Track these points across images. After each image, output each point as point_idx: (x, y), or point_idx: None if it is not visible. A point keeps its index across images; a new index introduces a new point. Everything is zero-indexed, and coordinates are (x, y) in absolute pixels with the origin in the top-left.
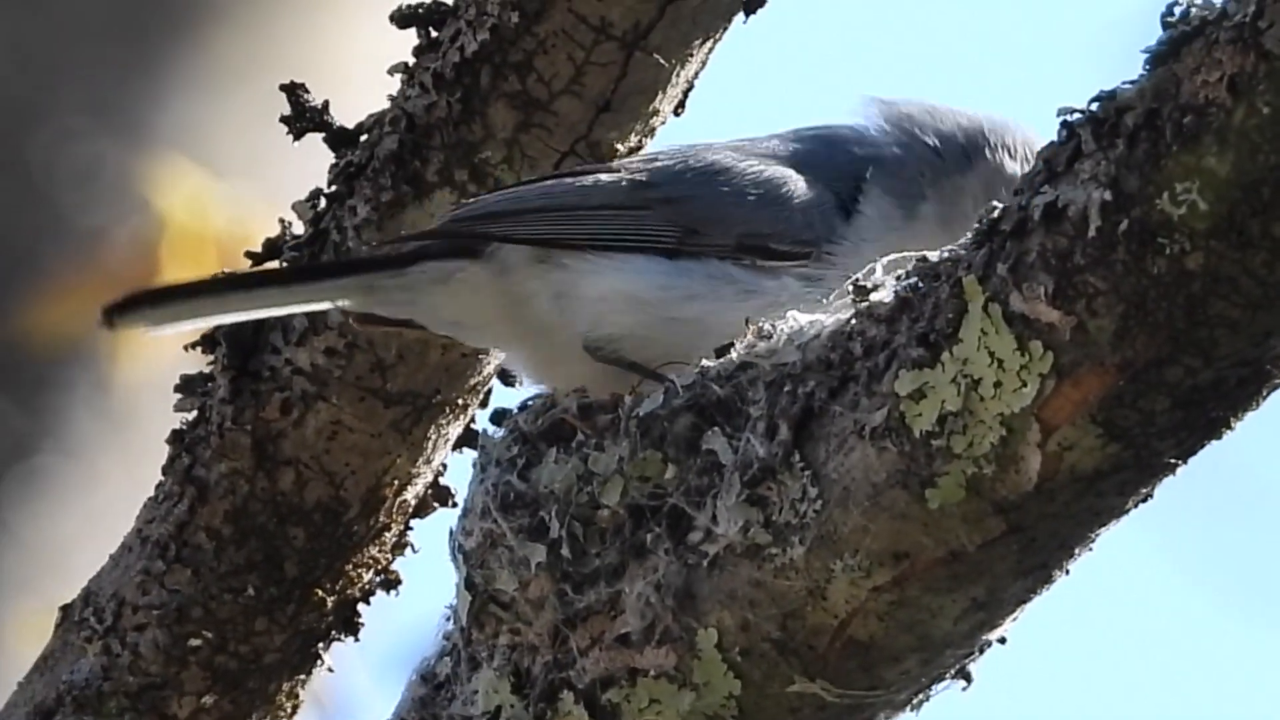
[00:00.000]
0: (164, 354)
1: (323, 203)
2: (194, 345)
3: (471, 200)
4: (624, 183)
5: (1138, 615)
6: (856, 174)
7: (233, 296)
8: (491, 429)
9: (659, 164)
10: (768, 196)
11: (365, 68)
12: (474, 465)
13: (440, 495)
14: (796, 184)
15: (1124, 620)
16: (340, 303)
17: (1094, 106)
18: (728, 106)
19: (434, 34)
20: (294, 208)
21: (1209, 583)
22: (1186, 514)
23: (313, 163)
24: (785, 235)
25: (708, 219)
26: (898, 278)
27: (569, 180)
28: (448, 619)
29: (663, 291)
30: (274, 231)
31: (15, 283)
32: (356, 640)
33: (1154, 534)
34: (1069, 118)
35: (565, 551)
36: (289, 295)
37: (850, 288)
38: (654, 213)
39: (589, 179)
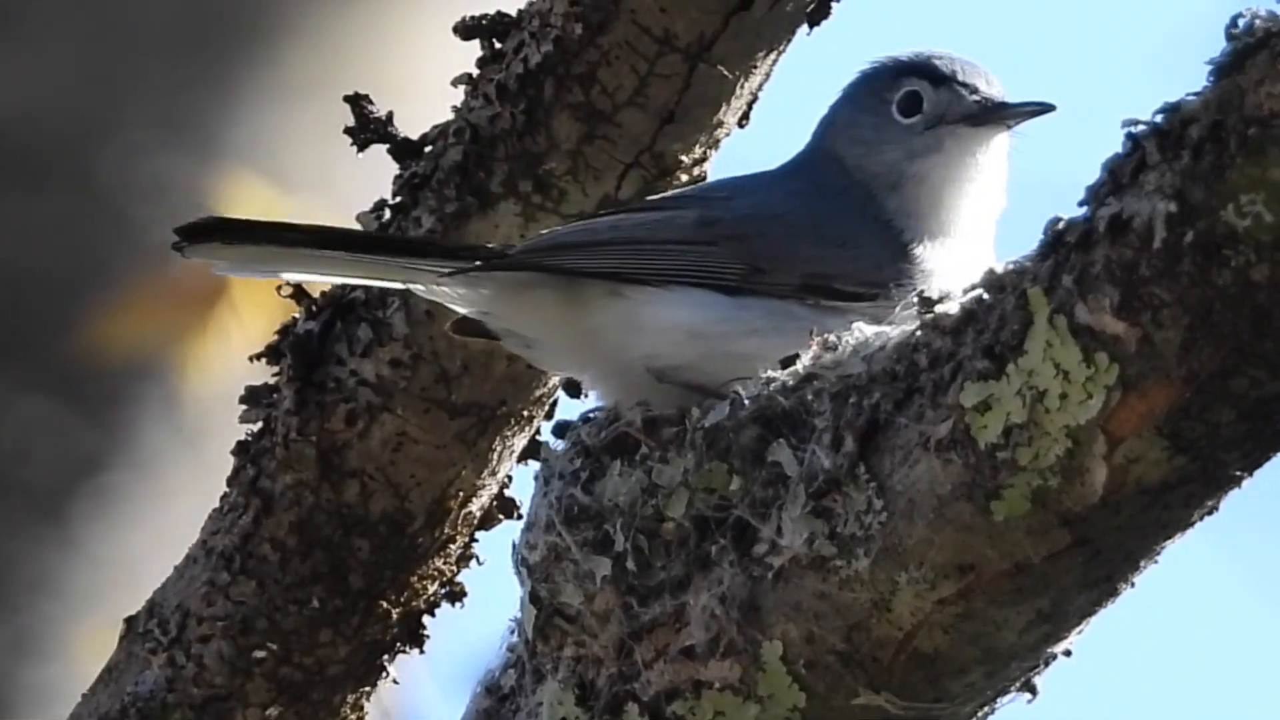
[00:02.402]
0: (233, 367)
1: (387, 214)
2: (259, 356)
3: (545, 231)
4: (692, 218)
5: (1201, 626)
6: None
7: (304, 252)
8: (554, 442)
9: (727, 199)
10: (834, 237)
11: (429, 79)
12: (537, 478)
13: (505, 507)
14: (864, 225)
15: (1188, 631)
16: (412, 285)
17: (1158, 118)
18: (792, 118)
19: (498, 45)
20: (358, 219)
21: (1273, 593)
22: (1251, 525)
23: (380, 176)
24: (852, 276)
25: (774, 257)
26: (963, 290)
27: (639, 214)
28: (512, 631)
29: (724, 325)
30: None
31: (85, 297)
32: (421, 652)
33: (1218, 545)
34: (1133, 130)
35: (630, 564)
36: (357, 263)
37: (916, 299)
38: (720, 249)
39: (658, 213)
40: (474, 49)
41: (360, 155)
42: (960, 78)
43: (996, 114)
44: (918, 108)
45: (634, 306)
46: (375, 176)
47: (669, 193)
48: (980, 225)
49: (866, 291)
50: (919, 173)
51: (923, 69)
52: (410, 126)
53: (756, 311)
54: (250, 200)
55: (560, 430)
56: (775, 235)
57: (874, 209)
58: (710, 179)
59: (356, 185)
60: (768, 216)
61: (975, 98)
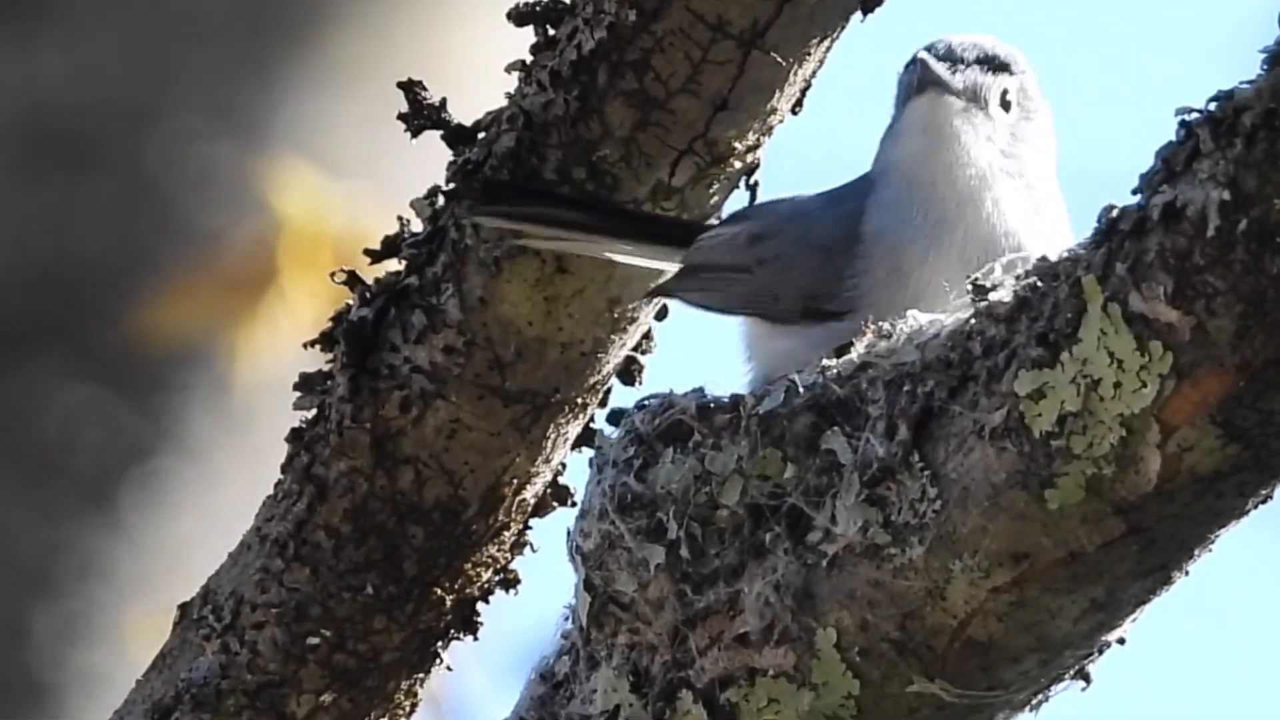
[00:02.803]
0: (281, 354)
1: (440, 200)
2: (313, 343)
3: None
4: (743, 239)
5: (1254, 616)
6: None
7: (575, 235)
8: (608, 429)
9: (763, 221)
10: (819, 248)
11: (482, 65)
12: (590, 466)
13: (559, 494)
14: (849, 229)
15: (1240, 621)
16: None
17: (1212, 106)
18: (846, 105)
19: (551, 32)
20: (412, 205)
21: None
22: None
23: (429, 162)
24: (836, 294)
25: (781, 283)
26: (1017, 277)
27: (712, 235)
28: (566, 618)
29: (786, 360)
30: (390, 229)
31: (133, 284)
32: (475, 639)
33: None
34: (1187, 117)
35: (684, 552)
36: (616, 247)
37: (970, 287)
38: (753, 276)
39: (723, 232)
40: (527, 35)
41: (412, 141)
42: (922, 54)
43: (925, 75)
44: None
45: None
46: (423, 162)
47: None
48: (980, 201)
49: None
50: (895, 159)
51: (909, 60)
52: (462, 112)
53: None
54: (298, 186)
55: (615, 418)
56: (778, 261)
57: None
58: (763, 166)
59: (405, 171)
60: (779, 237)
61: (918, 70)
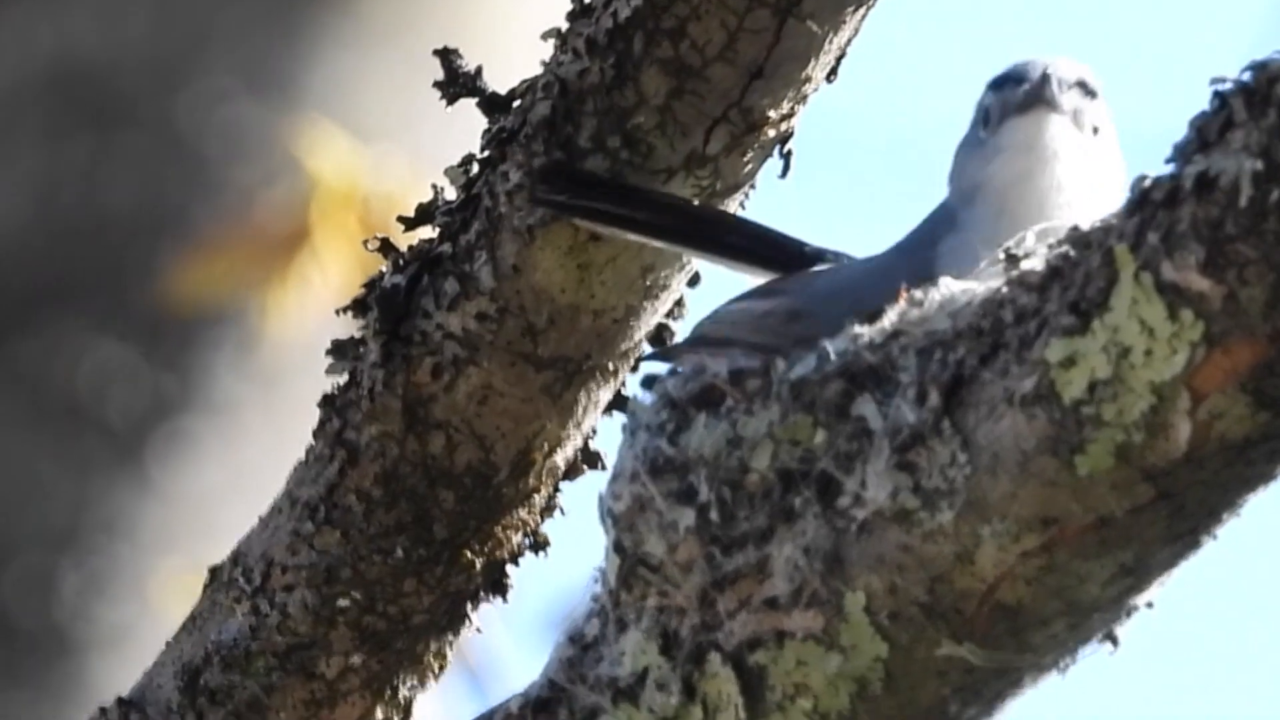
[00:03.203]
0: (311, 313)
1: (475, 168)
2: (346, 309)
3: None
4: (772, 317)
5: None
6: None
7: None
8: (641, 394)
9: (803, 296)
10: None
11: (517, 33)
12: (623, 430)
13: (590, 459)
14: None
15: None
16: None
17: (1245, 76)
18: (881, 74)
19: (586, 0)
20: (446, 173)
21: None
22: None
23: (459, 125)
24: None
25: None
26: (1049, 246)
27: (737, 308)
28: (596, 581)
29: None
30: (420, 192)
31: (163, 243)
32: (505, 602)
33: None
34: (1221, 87)
35: (714, 515)
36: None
37: (1002, 255)
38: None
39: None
40: (563, 2)
41: (447, 108)
42: (1015, 74)
43: (1036, 93)
44: (987, 118)
45: None
46: (453, 125)
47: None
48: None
49: None
50: (987, 178)
51: (995, 79)
52: (497, 79)
53: None
54: (329, 148)
55: (648, 383)
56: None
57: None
58: (796, 136)
59: (435, 134)
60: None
61: (1024, 87)
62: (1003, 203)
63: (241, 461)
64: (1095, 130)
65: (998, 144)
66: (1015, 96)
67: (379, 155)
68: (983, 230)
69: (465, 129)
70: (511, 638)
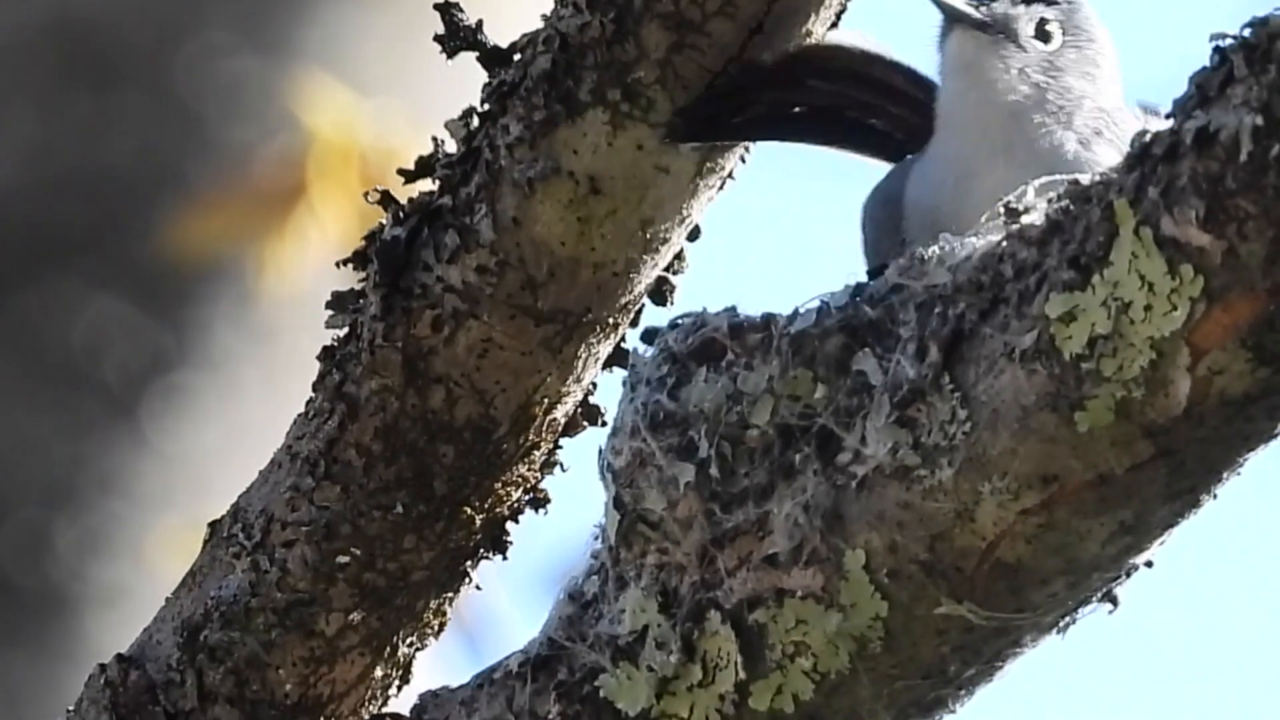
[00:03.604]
0: (307, 269)
1: (475, 121)
2: (345, 262)
3: None
4: None
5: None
6: None
7: None
8: (642, 348)
9: None
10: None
11: None
12: (624, 384)
13: (590, 414)
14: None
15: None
16: None
17: (1246, 32)
18: (880, 28)
19: None
20: (447, 126)
21: None
22: None
23: (457, 79)
24: None
25: None
26: (1049, 200)
27: None
28: (596, 538)
29: None
30: (418, 147)
31: (161, 198)
32: (505, 559)
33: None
34: (1221, 43)
35: (714, 471)
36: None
37: (1001, 210)
38: None
39: None
40: None
41: (442, 56)
42: None
43: (948, 13)
44: None
45: None
46: (452, 79)
47: None
48: (1012, 145)
49: None
50: (938, 107)
51: None
52: (497, 34)
53: None
54: (327, 102)
55: (648, 336)
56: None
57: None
58: None
59: (433, 87)
60: None
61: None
62: (944, 128)
63: (239, 418)
64: (1046, 35)
65: (940, 70)
66: (941, 21)
67: (378, 109)
68: (938, 148)
69: (465, 83)
70: (509, 597)
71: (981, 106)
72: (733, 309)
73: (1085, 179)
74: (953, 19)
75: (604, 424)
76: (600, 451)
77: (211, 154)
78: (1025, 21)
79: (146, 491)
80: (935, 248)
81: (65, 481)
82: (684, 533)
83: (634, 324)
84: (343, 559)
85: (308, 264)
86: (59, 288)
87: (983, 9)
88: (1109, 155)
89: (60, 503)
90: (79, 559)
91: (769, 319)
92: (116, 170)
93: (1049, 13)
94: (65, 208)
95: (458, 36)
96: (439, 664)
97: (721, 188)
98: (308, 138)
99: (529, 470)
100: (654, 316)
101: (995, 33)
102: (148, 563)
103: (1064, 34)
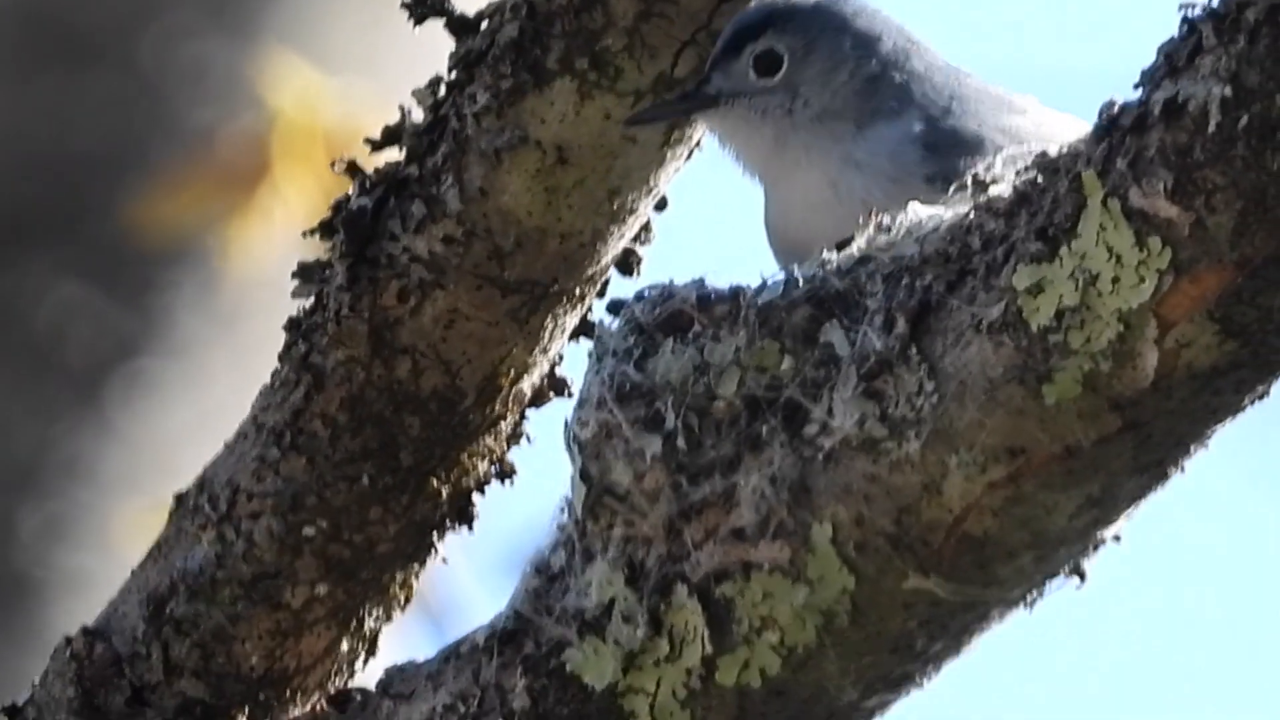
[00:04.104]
0: (273, 250)
1: (442, 90)
2: (312, 232)
3: None
4: None
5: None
6: None
7: None
8: (608, 319)
9: None
10: None
11: None
12: (590, 355)
13: (556, 385)
14: None
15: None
16: None
17: (1215, 2)
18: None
19: None
20: (414, 94)
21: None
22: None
23: (422, 56)
24: None
25: None
26: (1016, 172)
27: None
28: (562, 510)
29: None
30: (385, 122)
31: (125, 179)
32: (471, 530)
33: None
34: (1190, 13)
35: (681, 443)
36: None
37: (969, 181)
38: None
39: None
40: None
41: (408, 35)
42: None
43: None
44: None
45: None
46: (418, 56)
47: None
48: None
49: None
50: None
51: None
52: (465, 2)
53: None
54: (291, 81)
55: (615, 308)
56: None
57: None
58: None
59: (399, 65)
60: None
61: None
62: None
63: (204, 402)
64: (774, 65)
65: None
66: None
67: (343, 88)
68: None
69: (431, 60)
70: (475, 575)
71: (755, 166)
72: (700, 280)
73: (1053, 150)
74: (677, 114)
75: (570, 395)
76: (566, 423)
77: (177, 135)
78: (745, 67)
79: (112, 476)
80: (903, 218)
81: (29, 466)
82: (651, 505)
83: (601, 295)
84: (309, 531)
85: (273, 245)
86: (23, 270)
87: (711, 81)
88: (890, 131)
89: (24, 488)
90: (44, 544)
91: (737, 290)
92: (82, 151)
93: (764, 42)
94: (30, 189)
95: (425, 4)
96: (405, 642)
97: (689, 158)
98: (272, 118)
99: (495, 441)
100: (621, 288)
101: (725, 98)
102: (113, 548)
103: (794, 47)
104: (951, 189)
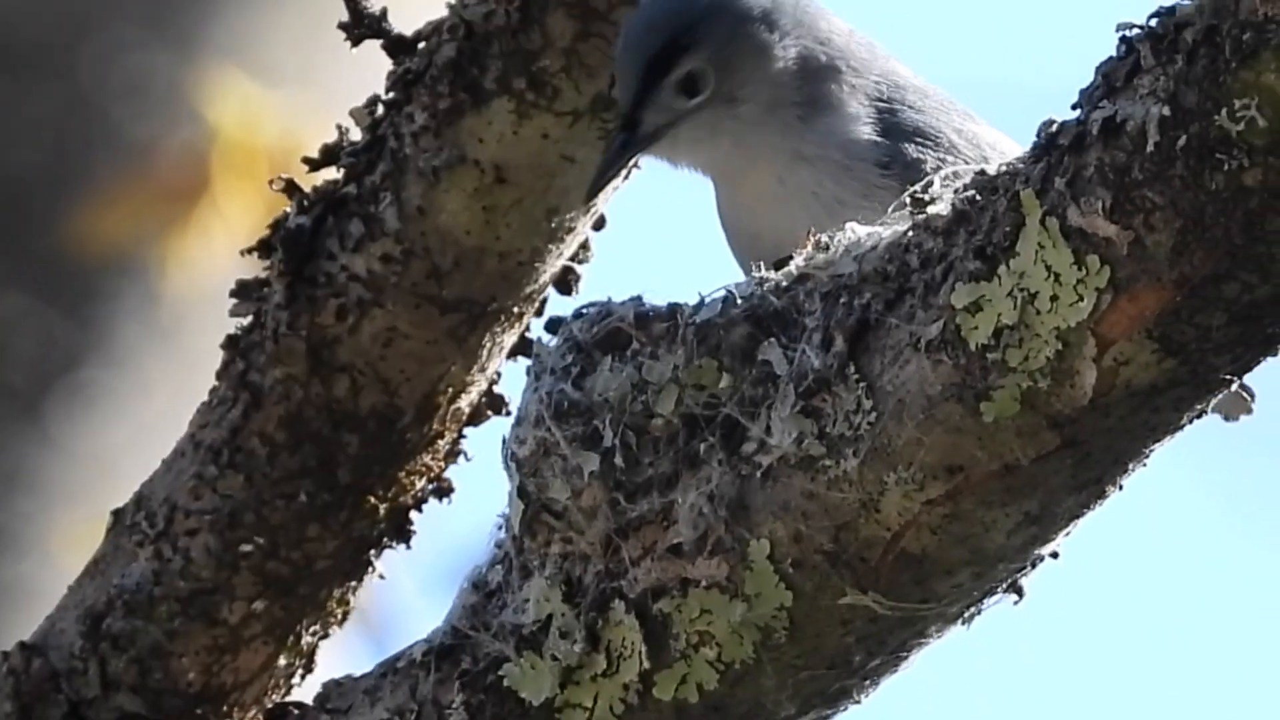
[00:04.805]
0: (213, 264)
1: (380, 109)
2: (250, 250)
3: None
4: None
5: (1175, 545)
6: None
7: None
8: (546, 337)
9: None
10: None
11: None
12: (528, 373)
13: (494, 403)
14: None
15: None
16: None
17: (1153, 22)
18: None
19: None
20: (351, 114)
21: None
22: (1226, 446)
23: (364, 72)
24: None
25: None
26: (955, 190)
27: None
28: (500, 527)
29: None
30: (325, 138)
31: (65, 193)
32: (408, 548)
33: (1193, 466)
34: (1128, 33)
35: (618, 460)
36: None
37: (908, 199)
38: None
39: None
40: None
41: (349, 51)
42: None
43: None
44: None
45: None
46: (358, 71)
47: None
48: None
49: None
50: None
51: None
52: (403, 22)
53: None
54: (232, 96)
55: (553, 326)
56: None
57: None
58: None
59: (340, 80)
60: None
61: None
62: None
63: (145, 415)
64: (696, 86)
65: None
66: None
67: (284, 102)
68: None
69: (373, 73)
70: (415, 589)
71: (715, 171)
72: (638, 298)
73: (992, 169)
74: (626, 163)
75: (508, 413)
76: (504, 441)
77: (117, 148)
78: (671, 96)
79: (52, 489)
80: (842, 236)
81: None
82: (588, 522)
83: (539, 314)
84: (246, 547)
85: (214, 260)
86: None
87: (643, 121)
88: (837, 121)
89: None
90: None
91: (675, 308)
92: (21, 164)
93: (681, 68)
94: None
95: (362, 24)
96: (344, 656)
97: (628, 176)
98: (212, 132)
99: (433, 459)
100: (560, 306)
101: (665, 129)
102: (54, 560)
103: (712, 59)
104: (891, 208)
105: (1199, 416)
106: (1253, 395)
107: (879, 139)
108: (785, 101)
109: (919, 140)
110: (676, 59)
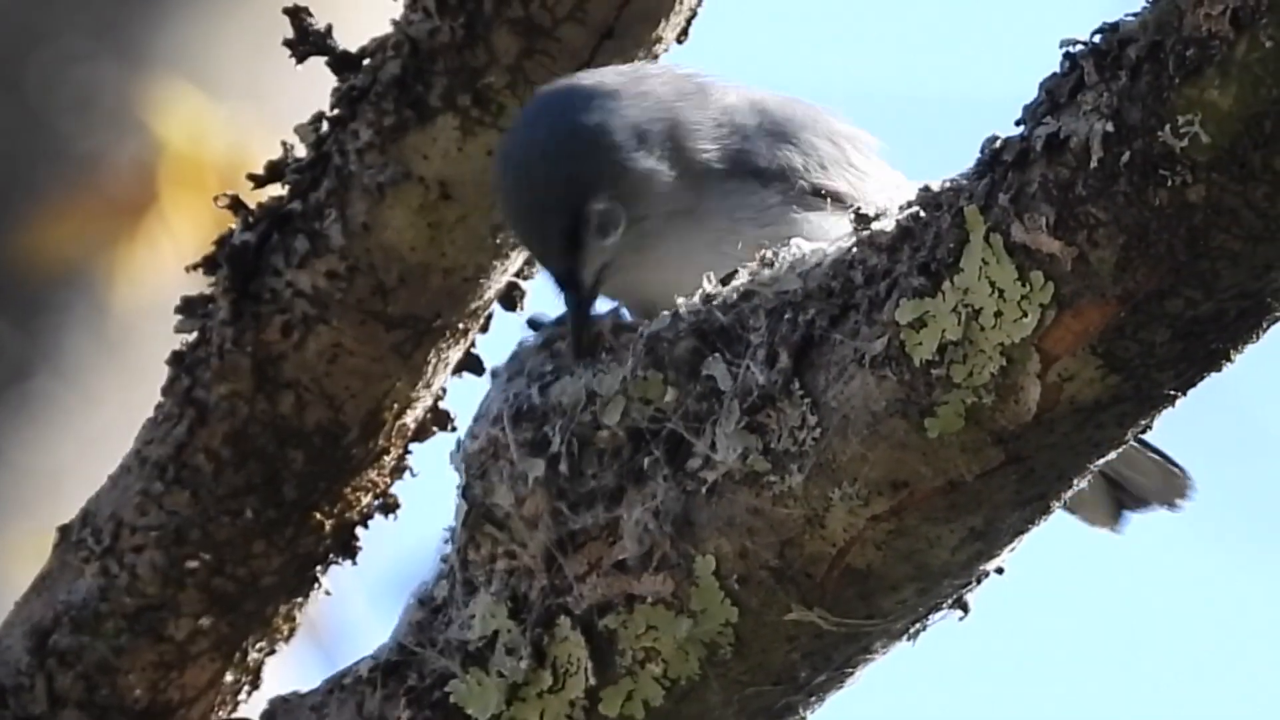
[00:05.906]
0: (161, 277)
1: (325, 126)
2: (195, 267)
3: None
4: None
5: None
6: None
7: None
8: (527, 334)
9: None
10: None
11: None
12: (499, 373)
13: (440, 419)
14: None
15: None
16: None
17: (1097, 38)
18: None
19: None
20: (296, 130)
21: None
22: (1187, 454)
23: (312, 87)
24: None
25: None
26: (900, 207)
27: None
28: (446, 541)
29: None
30: (273, 154)
31: (12, 206)
32: (354, 564)
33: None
34: (1072, 49)
35: (563, 468)
36: None
37: (852, 216)
38: None
39: None
40: None
41: (298, 67)
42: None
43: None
44: None
45: None
46: (305, 84)
47: None
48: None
49: None
50: None
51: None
52: (348, 39)
53: None
54: (180, 109)
55: (534, 324)
56: None
57: None
58: None
59: (288, 94)
60: None
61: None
62: None
63: (92, 427)
64: (609, 226)
65: None
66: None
67: (232, 115)
68: None
69: (320, 90)
70: (362, 604)
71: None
72: (616, 309)
73: (936, 185)
74: (591, 322)
75: (454, 429)
76: (453, 453)
77: (63, 161)
78: (596, 243)
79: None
80: (786, 253)
81: None
82: (530, 532)
83: (484, 330)
84: (192, 564)
85: (162, 273)
86: None
87: (582, 281)
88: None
89: None
90: None
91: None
92: None
93: (589, 217)
94: None
95: (307, 41)
96: (291, 670)
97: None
98: (159, 145)
99: (379, 475)
100: (504, 321)
101: (606, 271)
102: (2, 572)
103: (611, 191)
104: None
105: (1143, 432)
106: (1187, 474)
107: (744, 163)
108: (676, 197)
109: (781, 145)
110: (583, 208)
